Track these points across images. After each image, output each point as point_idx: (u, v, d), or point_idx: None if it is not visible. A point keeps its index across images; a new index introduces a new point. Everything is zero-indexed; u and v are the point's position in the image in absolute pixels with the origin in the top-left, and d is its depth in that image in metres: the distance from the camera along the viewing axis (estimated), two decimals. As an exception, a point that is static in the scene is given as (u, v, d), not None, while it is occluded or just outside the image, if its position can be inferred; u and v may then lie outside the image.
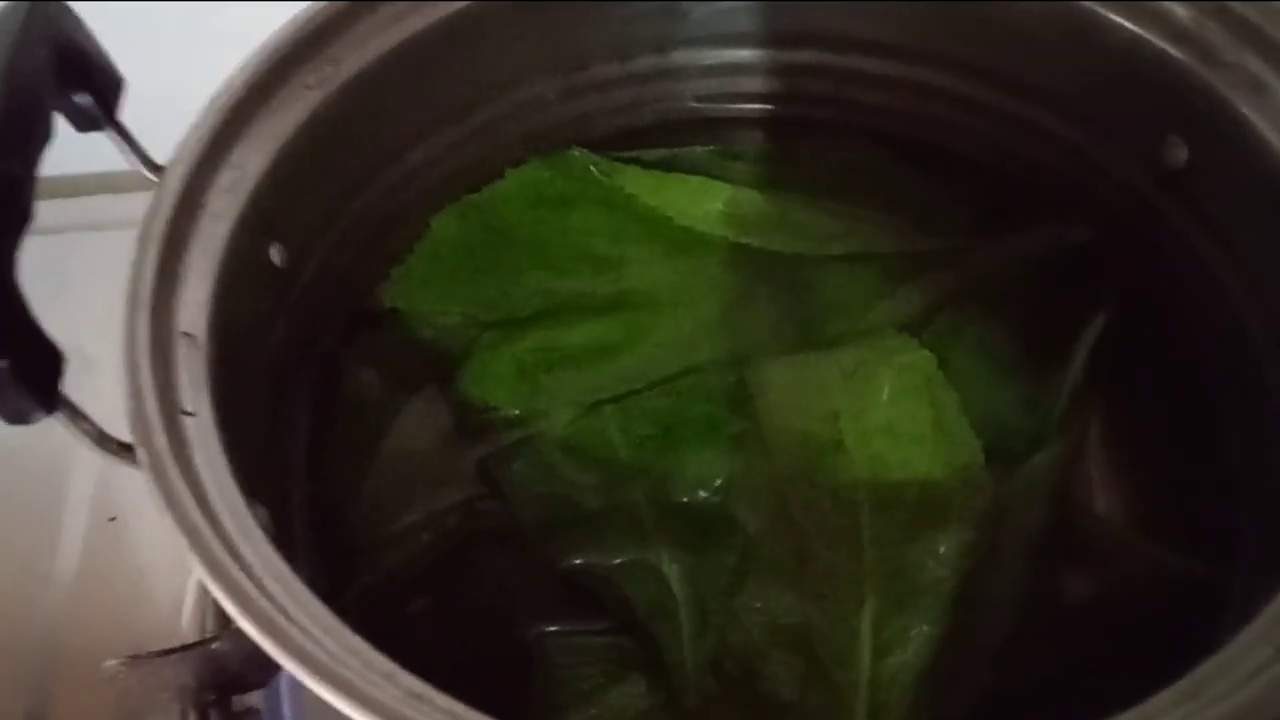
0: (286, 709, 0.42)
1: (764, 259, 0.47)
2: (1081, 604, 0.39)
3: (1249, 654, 0.28)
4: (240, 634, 0.39)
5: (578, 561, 0.40)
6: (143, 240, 0.35)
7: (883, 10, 0.47)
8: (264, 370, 0.39)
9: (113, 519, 0.51)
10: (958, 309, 0.46)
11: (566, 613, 0.40)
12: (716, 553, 0.40)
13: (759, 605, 0.38)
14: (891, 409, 0.41)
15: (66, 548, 0.51)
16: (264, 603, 0.29)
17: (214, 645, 0.39)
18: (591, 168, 0.49)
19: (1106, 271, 0.46)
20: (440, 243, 0.47)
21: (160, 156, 0.37)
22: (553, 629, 0.39)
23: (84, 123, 0.36)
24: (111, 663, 0.38)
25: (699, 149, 0.51)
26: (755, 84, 0.50)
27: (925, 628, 0.37)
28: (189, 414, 0.32)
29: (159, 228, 0.35)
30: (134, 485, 0.31)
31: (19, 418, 0.30)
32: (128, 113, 0.37)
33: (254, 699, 0.42)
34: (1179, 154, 0.41)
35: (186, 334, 0.34)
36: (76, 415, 0.31)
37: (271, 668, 0.39)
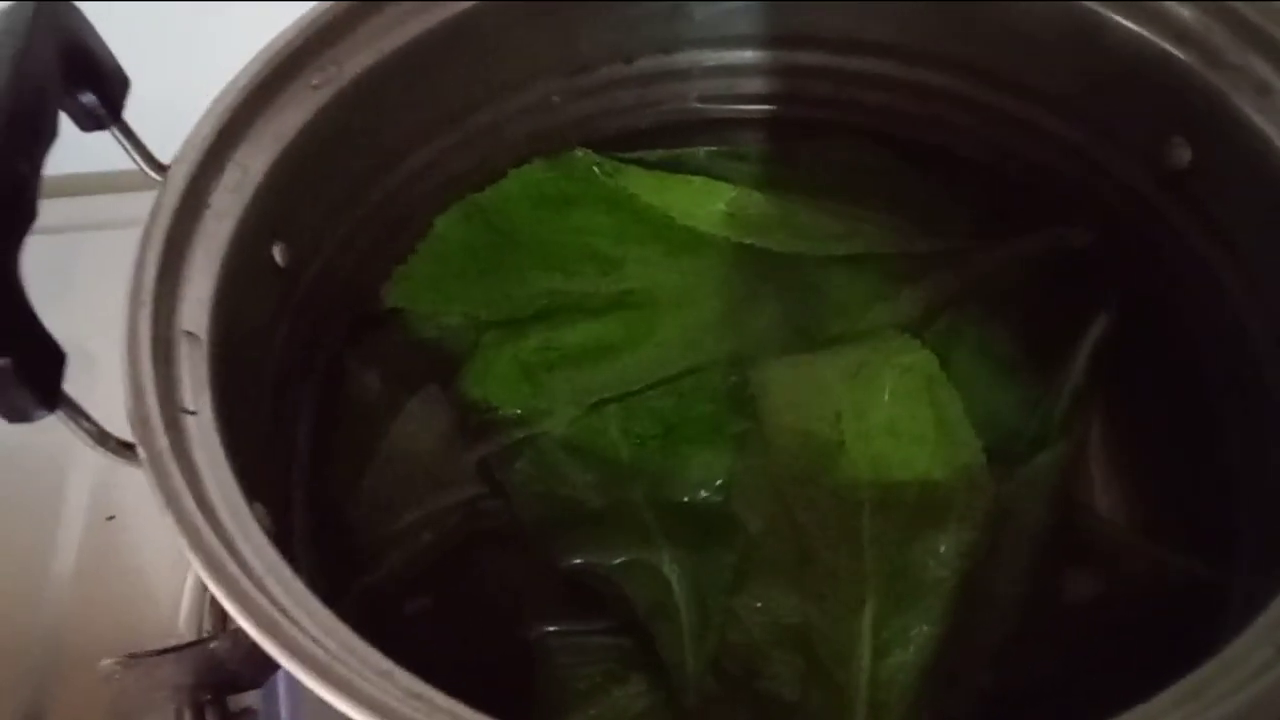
0: (283, 709, 0.41)
1: (766, 259, 0.47)
2: (1082, 604, 0.39)
3: (1251, 654, 0.28)
4: (237, 634, 0.39)
5: (579, 561, 0.40)
6: (146, 238, 0.35)
7: (885, 11, 0.47)
8: (266, 370, 0.39)
9: (111, 518, 0.51)
10: (959, 309, 0.46)
11: (567, 612, 0.40)
12: (717, 552, 0.40)
13: (760, 605, 0.38)
14: (893, 409, 0.41)
15: (64, 546, 0.51)
16: (263, 602, 0.29)
17: (211, 645, 0.39)
18: (595, 168, 0.49)
19: (1107, 272, 0.46)
20: (443, 243, 0.47)
21: (164, 156, 0.37)
22: (554, 629, 0.39)
23: (89, 122, 0.36)
24: (108, 662, 0.38)
25: (701, 150, 0.51)
26: (758, 85, 0.50)
27: (926, 628, 0.37)
28: (190, 413, 0.32)
29: (162, 226, 0.35)
30: (132, 484, 0.30)
31: (20, 416, 0.30)
32: (132, 112, 0.37)
33: (250, 699, 0.42)
34: (1182, 155, 0.41)
35: (189, 333, 0.34)
36: (77, 414, 0.31)
37: (268, 667, 0.39)
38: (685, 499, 0.41)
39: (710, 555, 0.40)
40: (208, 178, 0.37)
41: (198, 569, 0.29)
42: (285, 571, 0.30)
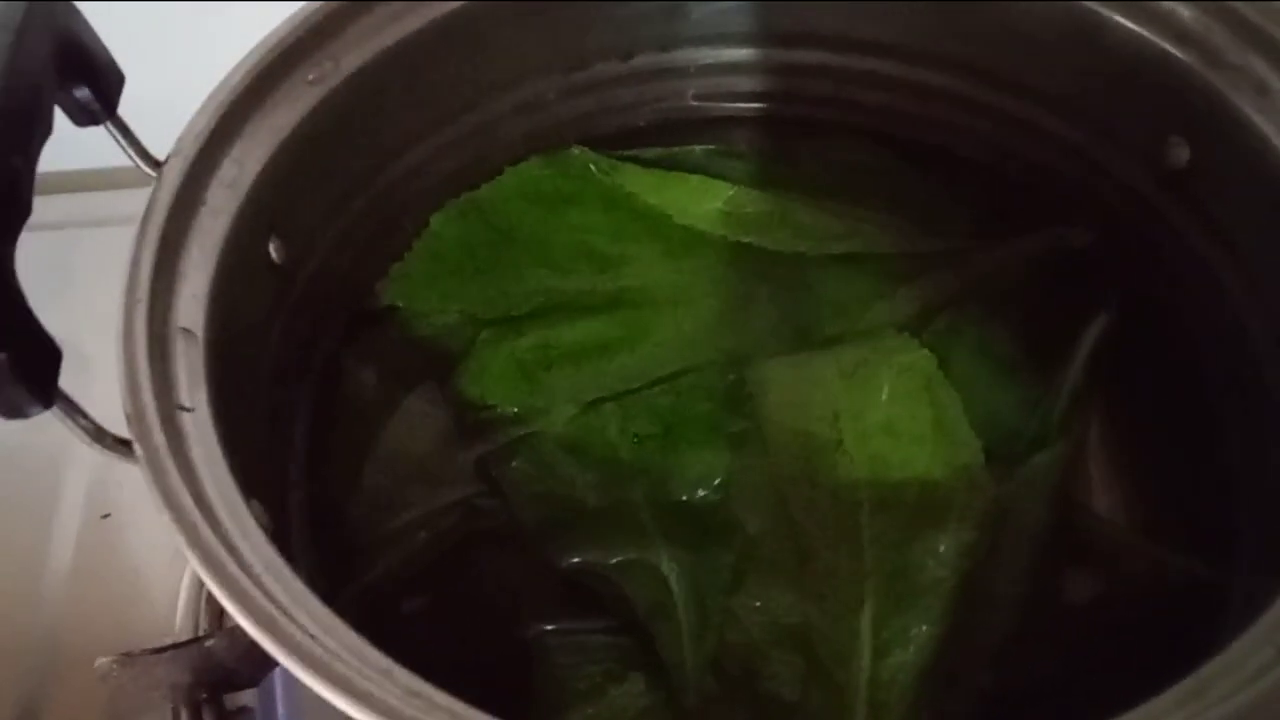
0: (280, 707, 0.41)
1: (764, 258, 0.47)
2: (1082, 604, 0.39)
3: (1252, 655, 0.28)
4: (234, 632, 0.39)
5: (577, 560, 0.40)
6: (141, 235, 0.35)
7: (883, 10, 0.47)
8: (263, 367, 0.39)
9: (106, 516, 0.51)
10: (958, 309, 0.46)
11: (566, 612, 0.40)
12: (716, 552, 0.40)
13: (759, 605, 0.38)
14: (891, 408, 0.41)
15: (60, 545, 0.51)
16: (262, 600, 0.29)
17: (208, 643, 0.39)
18: (591, 166, 0.49)
19: (1107, 272, 0.46)
20: (440, 240, 0.47)
21: (159, 152, 0.37)
22: (552, 628, 0.39)
23: (83, 117, 0.36)
24: (104, 660, 0.38)
25: (699, 148, 0.51)
26: (756, 83, 0.50)
27: (925, 627, 0.37)
28: (187, 409, 0.32)
29: (157, 222, 0.35)
30: (128, 482, 0.30)
31: (16, 412, 0.30)
32: (127, 108, 0.37)
33: (247, 698, 0.42)
34: (1181, 154, 0.41)
35: (185, 329, 0.34)
36: (74, 410, 0.31)
37: (265, 666, 0.39)
38: (683, 498, 0.41)
39: (709, 555, 0.40)
40: (203, 174, 0.37)
41: (195, 566, 0.29)
42: (284, 569, 0.30)
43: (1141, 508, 0.42)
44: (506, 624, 0.39)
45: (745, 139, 0.51)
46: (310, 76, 0.40)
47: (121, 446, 0.31)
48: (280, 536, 0.32)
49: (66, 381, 0.31)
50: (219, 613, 0.46)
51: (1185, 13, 0.39)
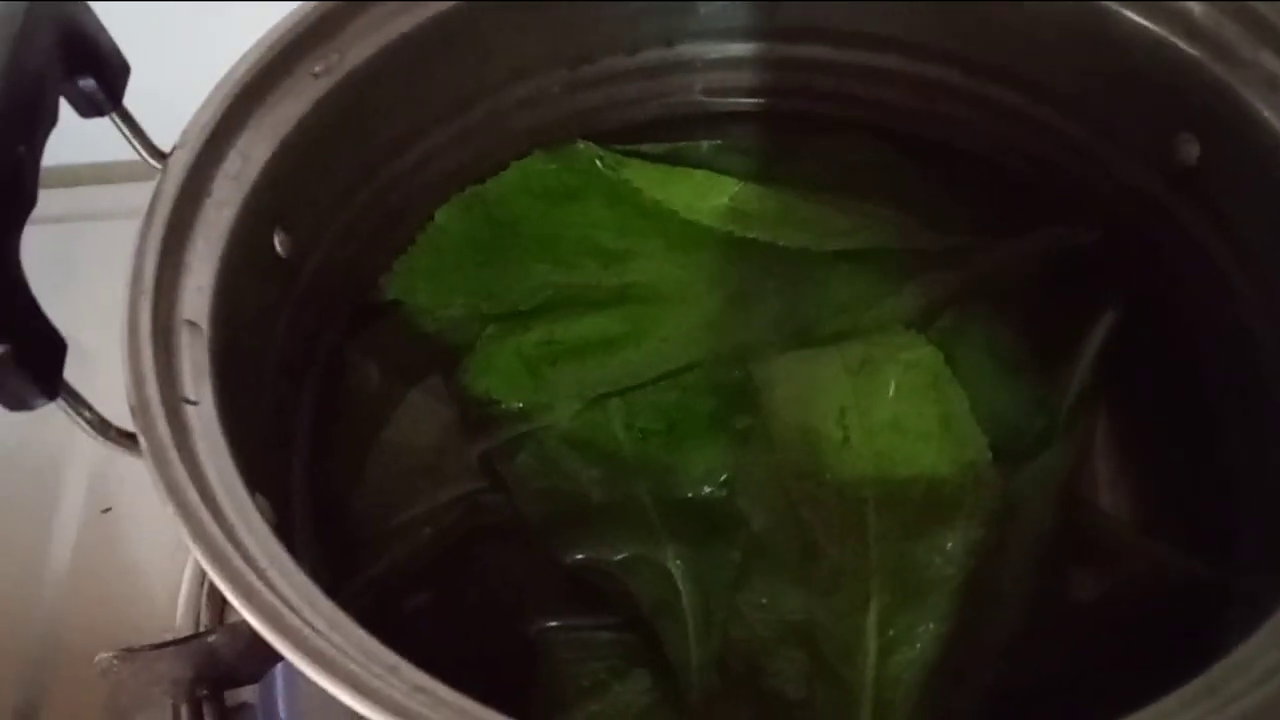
0: (280, 703, 0.41)
1: (769, 254, 0.47)
2: (1089, 602, 0.39)
3: (1263, 654, 0.28)
4: (235, 628, 0.39)
5: (581, 556, 0.40)
6: (146, 226, 0.35)
7: (888, 6, 0.47)
8: (268, 360, 0.39)
9: (107, 510, 0.51)
10: (963, 307, 0.45)
11: (570, 608, 0.39)
12: (721, 548, 0.40)
13: (764, 602, 0.38)
14: (898, 405, 0.41)
15: (60, 539, 0.50)
16: (268, 595, 0.28)
17: (209, 639, 0.39)
18: (597, 161, 0.49)
19: (1112, 270, 0.46)
20: (444, 235, 0.47)
21: (165, 144, 0.37)
22: (556, 624, 0.39)
23: (88, 108, 0.36)
24: (105, 655, 0.38)
25: (704, 144, 0.50)
26: (761, 78, 0.50)
27: (932, 625, 0.37)
28: (191, 402, 0.32)
29: (163, 214, 0.35)
30: (129, 476, 0.30)
31: (20, 404, 0.30)
32: (132, 100, 0.37)
33: (247, 694, 0.42)
34: (1191, 151, 0.41)
35: (190, 321, 0.34)
36: (78, 403, 0.31)
37: (266, 662, 0.39)
38: (688, 494, 0.41)
39: (714, 551, 0.39)
40: (208, 165, 0.36)
41: (200, 560, 0.29)
42: (289, 564, 0.30)
43: (1142, 507, 0.42)
44: (510, 620, 0.39)
45: (749, 134, 0.51)
46: (316, 69, 0.40)
47: (126, 439, 0.31)
48: (284, 531, 0.32)
49: (71, 374, 0.31)
50: (220, 608, 0.46)
51: (1196, 8, 0.39)
